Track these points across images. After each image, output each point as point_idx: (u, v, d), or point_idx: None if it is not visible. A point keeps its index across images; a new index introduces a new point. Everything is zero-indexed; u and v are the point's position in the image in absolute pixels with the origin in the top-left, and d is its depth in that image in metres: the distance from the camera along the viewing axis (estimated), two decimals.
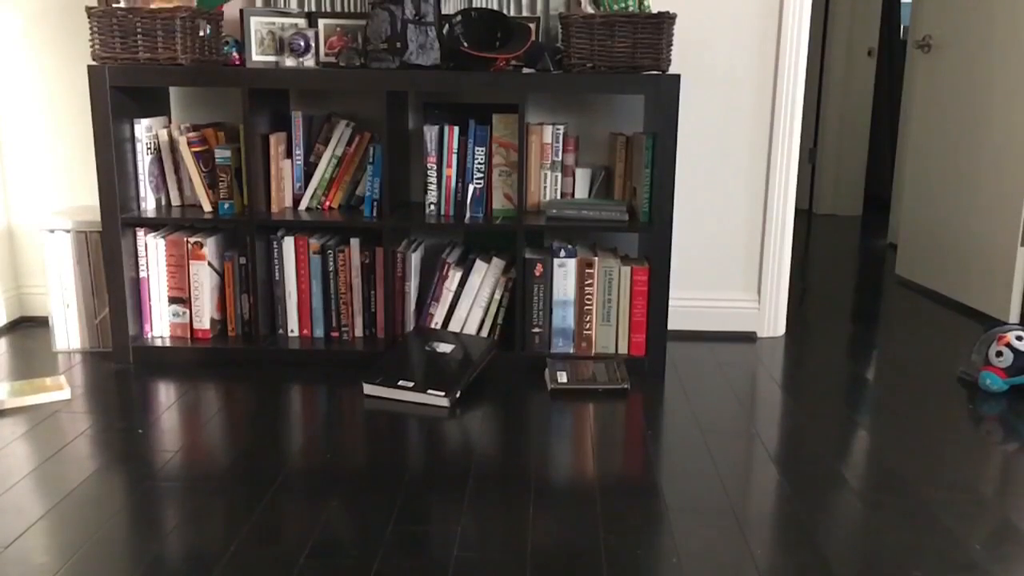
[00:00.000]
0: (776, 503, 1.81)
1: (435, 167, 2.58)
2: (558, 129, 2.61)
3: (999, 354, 2.41)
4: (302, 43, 2.55)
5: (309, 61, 2.57)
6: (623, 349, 2.56)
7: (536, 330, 2.55)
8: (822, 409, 2.34)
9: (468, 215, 2.59)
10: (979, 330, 2.62)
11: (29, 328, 2.90)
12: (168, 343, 2.58)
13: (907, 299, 3.52)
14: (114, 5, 2.38)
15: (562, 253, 2.52)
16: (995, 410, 2.34)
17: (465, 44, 2.48)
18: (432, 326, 2.59)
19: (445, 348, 2.46)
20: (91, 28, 2.38)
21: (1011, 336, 2.41)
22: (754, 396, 2.43)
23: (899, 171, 4.48)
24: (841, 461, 2.01)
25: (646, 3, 2.46)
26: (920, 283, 3.64)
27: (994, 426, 2.29)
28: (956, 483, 1.89)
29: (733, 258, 2.91)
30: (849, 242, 4.77)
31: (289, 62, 2.56)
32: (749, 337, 2.93)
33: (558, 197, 2.66)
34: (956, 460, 2.01)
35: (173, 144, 2.59)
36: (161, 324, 2.61)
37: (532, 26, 2.59)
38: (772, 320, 2.94)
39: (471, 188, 2.59)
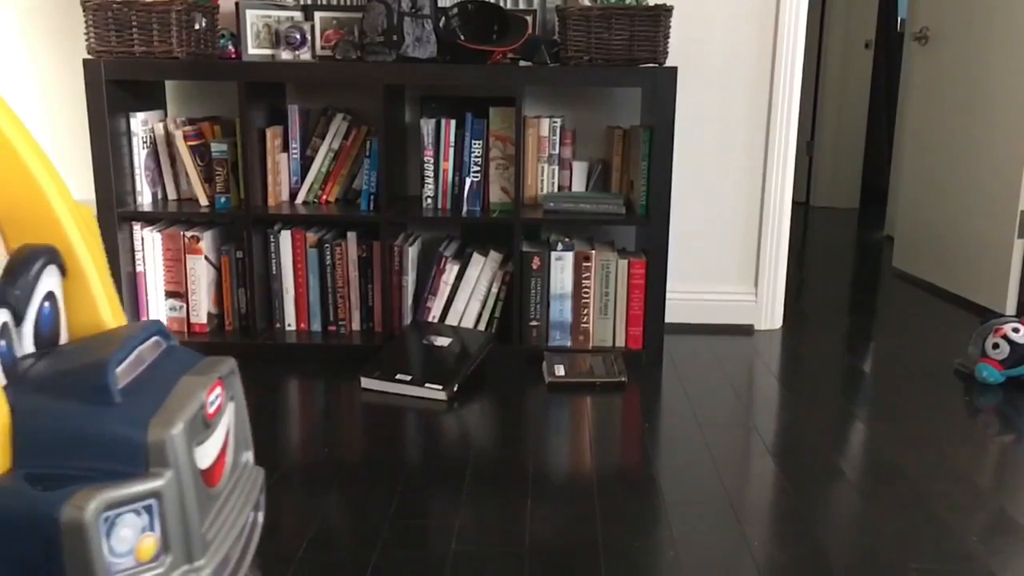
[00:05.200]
0: (773, 495, 1.81)
1: (432, 161, 2.58)
2: (555, 122, 2.60)
3: (996, 346, 2.42)
4: (298, 36, 2.54)
5: (305, 54, 2.56)
6: (620, 342, 2.56)
7: (533, 323, 2.55)
8: (819, 401, 2.34)
9: (465, 208, 2.59)
10: (976, 322, 2.63)
11: None
12: None
13: (904, 291, 3.52)
14: None
15: (559, 246, 2.52)
16: (991, 402, 2.35)
17: (462, 37, 2.47)
18: (429, 320, 2.59)
19: (442, 342, 2.46)
20: (86, 22, 2.37)
21: (1008, 328, 2.42)
22: (751, 389, 2.43)
23: (896, 163, 4.48)
24: (838, 453, 2.02)
25: None
26: (917, 275, 3.65)
27: (991, 418, 2.29)
28: (953, 475, 1.89)
29: (730, 251, 2.91)
30: (846, 235, 4.78)
31: (285, 55, 2.55)
32: (746, 330, 2.93)
33: (555, 190, 2.66)
34: (953, 452, 2.01)
35: (169, 138, 2.59)
36: (158, 318, 2.61)
37: (529, 19, 2.58)
38: (769, 313, 2.95)
39: (468, 182, 2.59)
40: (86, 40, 2.38)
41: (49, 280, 1.14)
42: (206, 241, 2.57)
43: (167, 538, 0.97)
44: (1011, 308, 3.09)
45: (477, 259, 2.55)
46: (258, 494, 1.24)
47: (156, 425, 0.98)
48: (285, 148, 2.64)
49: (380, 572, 1.48)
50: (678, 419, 2.18)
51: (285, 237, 2.57)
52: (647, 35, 2.37)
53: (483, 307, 2.58)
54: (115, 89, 2.45)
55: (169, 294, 2.59)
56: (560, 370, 2.39)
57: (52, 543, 0.90)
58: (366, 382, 2.33)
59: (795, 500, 1.78)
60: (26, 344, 1.11)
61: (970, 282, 3.29)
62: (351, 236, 2.58)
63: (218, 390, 1.12)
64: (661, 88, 2.39)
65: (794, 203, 5.43)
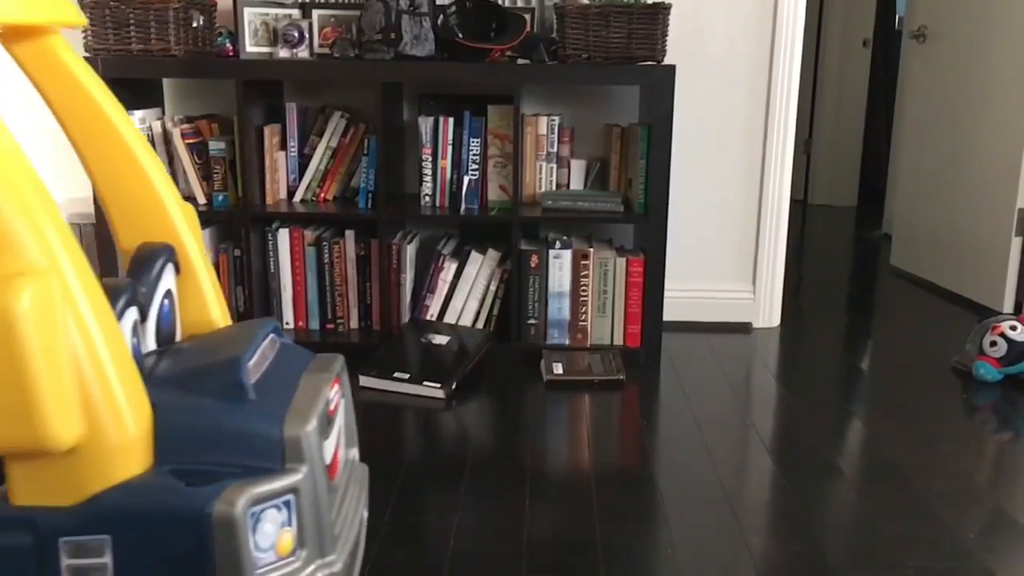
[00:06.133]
0: (771, 493, 1.81)
1: (430, 159, 2.58)
2: (553, 120, 2.60)
3: (993, 344, 2.42)
4: (296, 34, 2.53)
5: (303, 52, 2.56)
6: (619, 340, 2.56)
7: (532, 322, 2.55)
8: (817, 399, 2.34)
9: (463, 207, 2.59)
10: (973, 320, 2.63)
11: None
12: None
13: (902, 289, 3.53)
14: None
15: (558, 244, 2.52)
16: (989, 400, 2.35)
17: (460, 35, 2.47)
18: (427, 318, 2.59)
19: (441, 340, 2.46)
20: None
21: (1005, 326, 2.42)
22: (749, 387, 2.43)
23: (894, 161, 4.48)
24: (836, 451, 2.02)
25: None
26: (915, 273, 3.65)
27: (988, 416, 2.30)
28: (950, 473, 1.90)
29: (728, 249, 2.91)
30: (844, 233, 4.78)
31: (283, 53, 2.55)
32: (744, 328, 2.93)
33: (553, 188, 2.66)
34: (950, 450, 2.02)
35: (167, 136, 2.58)
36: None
37: (527, 16, 2.58)
38: (767, 311, 2.95)
39: (466, 179, 2.59)
40: (83, 38, 2.38)
41: (168, 278, 1.15)
42: (204, 239, 2.56)
43: (303, 533, 0.98)
44: (1008, 306, 3.10)
45: (475, 257, 2.55)
46: (366, 490, 1.26)
47: (291, 422, 0.99)
48: (283, 146, 2.64)
49: (379, 570, 1.48)
50: (676, 417, 2.19)
51: (283, 235, 2.57)
52: (645, 33, 2.37)
53: (481, 305, 2.58)
54: (112, 87, 2.43)
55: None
56: (558, 368, 2.39)
57: (203, 538, 0.91)
58: (364, 380, 2.33)
59: (793, 498, 1.78)
60: (149, 341, 1.12)
61: (968, 280, 3.30)
62: (349, 234, 2.58)
63: (336, 387, 1.14)
64: (659, 86, 2.39)
65: (792, 201, 5.46)
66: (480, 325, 2.59)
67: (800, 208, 5.41)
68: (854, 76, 5.35)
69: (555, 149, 2.63)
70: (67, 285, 0.88)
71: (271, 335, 1.18)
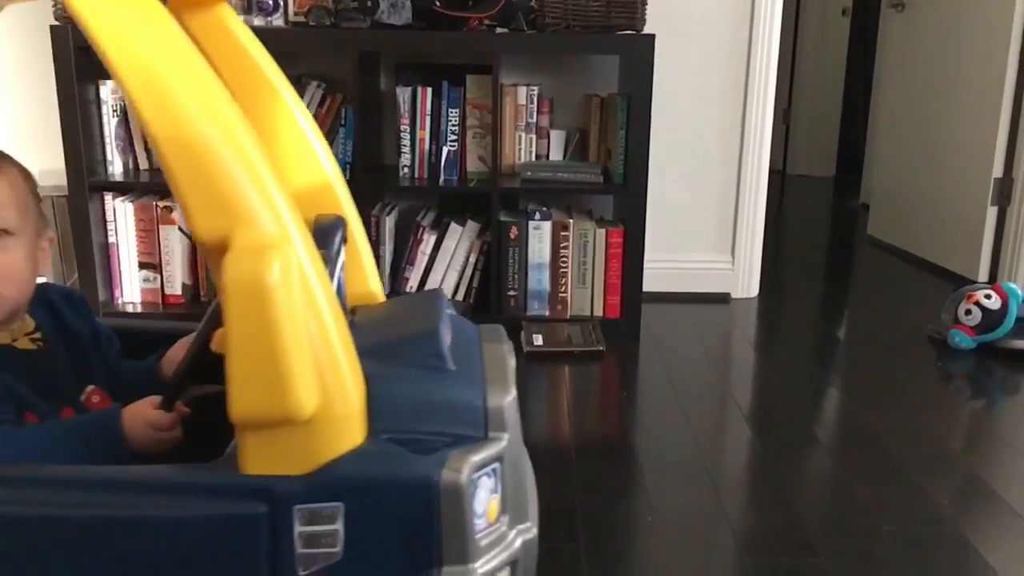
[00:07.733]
0: (749, 461, 1.83)
1: (408, 129, 2.55)
2: (532, 90, 2.58)
3: (968, 312, 2.44)
4: (270, 2, 2.49)
5: (278, 20, 2.51)
6: (598, 311, 2.57)
7: (511, 293, 2.54)
8: (795, 368, 2.36)
9: (442, 178, 2.57)
10: (949, 289, 2.66)
11: None
12: (139, 309, 2.55)
13: (879, 259, 3.55)
14: None
15: (537, 216, 2.51)
16: (964, 368, 2.38)
17: (437, 3, 2.43)
18: (407, 290, 2.58)
19: None
20: None
21: (980, 295, 2.44)
22: (728, 356, 2.45)
23: (872, 131, 4.50)
24: (813, 419, 2.04)
25: None
26: (892, 243, 3.67)
27: (963, 383, 2.33)
28: (925, 439, 1.92)
29: (707, 219, 2.92)
30: (822, 203, 4.81)
31: (257, 21, 2.50)
32: (723, 298, 2.94)
33: (533, 159, 2.64)
34: (925, 417, 2.04)
35: None
36: (131, 290, 2.58)
37: None
38: (746, 281, 2.96)
39: (445, 150, 2.57)
40: (53, 5, 2.33)
41: (343, 250, 1.16)
42: (179, 211, 2.53)
43: (505, 499, 0.99)
44: (983, 275, 3.12)
45: (455, 229, 2.54)
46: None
47: (493, 391, 1.01)
48: None
49: None
50: (655, 387, 2.20)
51: None
52: (625, 1, 2.35)
53: (461, 277, 2.57)
54: (84, 56, 2.40)
55: (142, 265, 2.56)
56: (538, 339, 2.39)
57: (430, 504, 0.92)
58: None
59: (770, 465, 1.80)
60: None
61: (944, 249, 3.32)
62: None
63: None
64: (639, 56, 2.37)
65: (771, 171, 5.47)
66: (460, 297, 2.58)
67: (779, 179, 5.43)
68: (833, 46, 5.34)
69: (534, 119, 2.61)
70: (298, 256, 0.88)
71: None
